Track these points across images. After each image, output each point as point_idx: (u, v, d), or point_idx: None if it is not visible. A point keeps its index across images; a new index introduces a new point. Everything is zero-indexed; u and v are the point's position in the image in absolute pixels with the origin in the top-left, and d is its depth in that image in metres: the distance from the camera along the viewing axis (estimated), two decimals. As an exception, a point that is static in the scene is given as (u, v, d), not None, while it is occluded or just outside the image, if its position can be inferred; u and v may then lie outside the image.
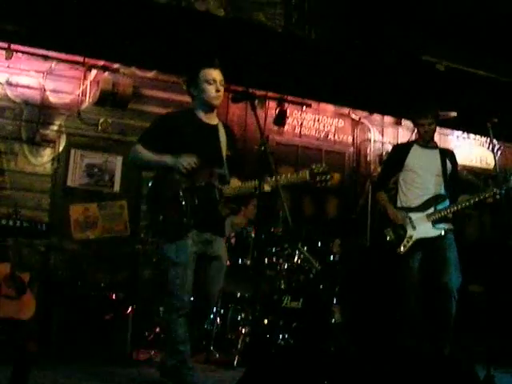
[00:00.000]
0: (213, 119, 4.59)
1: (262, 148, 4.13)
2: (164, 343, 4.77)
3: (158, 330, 5.96)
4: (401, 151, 5.76)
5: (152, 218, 4.55)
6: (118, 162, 7.38)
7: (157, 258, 6.34)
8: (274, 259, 6.18)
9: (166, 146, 4.43)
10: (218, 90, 4.49)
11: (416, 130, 5.84)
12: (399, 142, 7.87)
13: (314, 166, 4.30)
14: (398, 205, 5.66)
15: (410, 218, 5.47)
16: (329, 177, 4.29)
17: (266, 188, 4.31)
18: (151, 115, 7.30)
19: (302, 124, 8.36)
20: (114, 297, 6.08)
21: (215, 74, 4.51)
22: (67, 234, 7.08)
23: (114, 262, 7.01)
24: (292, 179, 4.33)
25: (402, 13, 6.72)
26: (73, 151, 7.25)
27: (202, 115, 4.54)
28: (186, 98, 7.16)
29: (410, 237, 5.45)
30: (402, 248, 5.44)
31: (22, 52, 6.93)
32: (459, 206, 5.43)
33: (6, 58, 6.83)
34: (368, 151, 8.65)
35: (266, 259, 6.15)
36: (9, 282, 5.81)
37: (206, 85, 4.47)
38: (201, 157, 4.39)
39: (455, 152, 6.01)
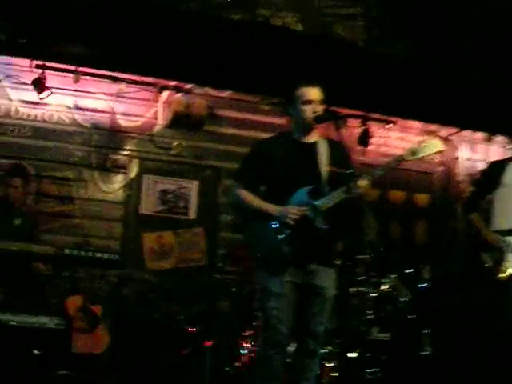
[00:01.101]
0: (311, 138, 4.48)
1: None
2: (252, 379, 4.62)
3: (238, 364, 5.83)
4: (497, 168, 5.50)
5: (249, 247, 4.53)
6: (193, 188, 7.42)
7: (238, 288, 6.31)
8: (361, 288, 6.03)
9: (262, 176, 4.41)
10: (315, 111, 4.37)
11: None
12: (495, 159, 7.69)
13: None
14: (493, 227, 5.40)
15: (509, 242, 5.24)
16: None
17: (361, 183, 4.23)
18: (227, 137, 7.49)
19: (386, 143, 8.16)
20: (190, 330, 6.15)
21: (313, 93, 4.40)
22: (140, 264, 7.13)
23: (191, 293, 7.00)
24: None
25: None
26: (145, 177, 7.32)
27: (297, 136, 4.47)
28: (264, 118, 7.48)
29: (510, 262, 5.20)
30: (502, 274, 5.18)
31: (90, 74, 6.97)
32: None
33: (73, 82, 6.89)
34: (457, 170, 8.43)
35: (352, 288, 6.03)
36: (81, 315, 5.83)
37: (302, 105, 4.38)
38: (294, 179, 4.33)
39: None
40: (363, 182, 4.24)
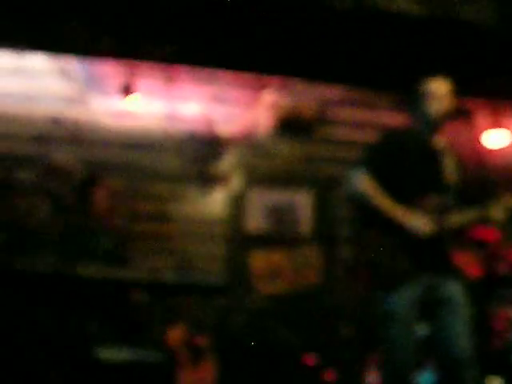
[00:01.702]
0: (439, 141, 4.26)
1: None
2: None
3: None
4: None
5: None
6: (305, 200, 7.17)
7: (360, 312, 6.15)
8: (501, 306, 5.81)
9: (390, 171, 4.10)
10: (443, 107, 4.15)
11: None
12: None
13: None
14: None
15: None
16: None
17: (497, 216, 4.00)
18: (341, 140, 7.23)
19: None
20: (309, 361, 6.04)
21: (440, 87, 4.19)
22: (248, 288, 6.92)
23: (307, 319, 6.75)
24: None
25: None
26: (250, 189, 7.12)
27: (426, 136, 4.22)
28: (383, 117, 7.22)
29: None
30: None
31: (183, 77, 6.88)
32: None
33: (164, 86, 6.81)
34: None
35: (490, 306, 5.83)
36: (184, 347, 5.75)
37: (428, 101, 4.17)
38: (425, 186, 4.08)
39: None
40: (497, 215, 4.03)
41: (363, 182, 4.12)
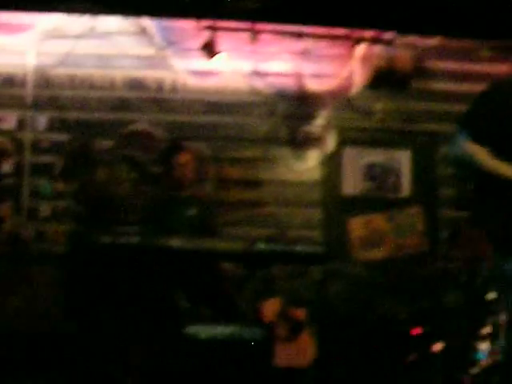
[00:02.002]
0: None
1: None
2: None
3: (476, 371, 5.31)
4: None
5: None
6: (404, 159, 6.97)
7: (468, 278, 5.83)
8: None
9: (500, 128, 3.69)
10: None
11: None
12: None
13: None
14: None
15: None
16: None
17: None
18: (441, 94, 7.11)
19: None
20: (415, 332, 5.84)
21: None
22: (347, 255, 6.79)
23: (411, 287, 6.57)
24: None
25: None
26: (346, 150, 6.95)
27: None
28: (484, 67, 6.86)
29: None
30: None
31: (269, 32, 6.71)
32: None
33: (250, 42, 6.62)
34: None
35: None
36: (281, 321, 5.63)
37: None
38: None
39: None
40: None
41: (470, 145, 3.87)
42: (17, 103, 6.54)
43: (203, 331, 5.16)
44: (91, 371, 5.20)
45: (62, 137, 6.58)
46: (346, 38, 6.93)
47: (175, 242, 5.04)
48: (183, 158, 5.78)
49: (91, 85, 6.60)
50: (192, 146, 6.04)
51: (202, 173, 6.35)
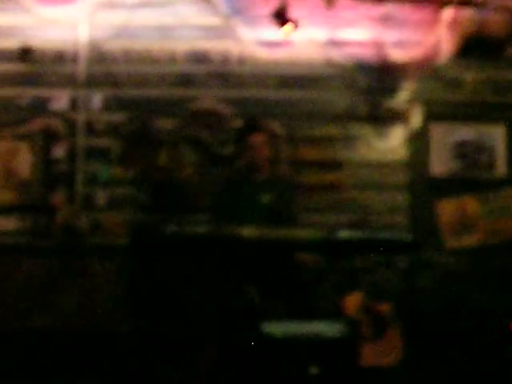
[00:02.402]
0: None
1: None
2: None
3: None
4: None
5: None
6: (498, 135, 6.81)
7: None
8: None
9: None
10: None
11: None
12: None
13: None
14: None
15: None
16: None
17: None
18: None
19: None
20: None
21: None
22: (436, 242, 6.63)
23: (508, 277, 6.40)
24: None
25: None
26: (433, 126, 6.78)
27: None
28: None
29: None
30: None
31: None
32: None
33: (325, 8, 6.49)
34: None
35: None
36: (364, 317, 5.50)
37: None
38: None
39: None
40: None
41: None
42: (68, 81, 6.50)
43: (279, 329, 5.08)
44: (155, 375, 5.20)
45: (119, 117, 6.51)
46: (431, 0, 6.76)
47: (248, 232, 4.95)
48: (258, 138, 5.68)
49: (150, 59, 6.54)
50: (267, 125, 6.00)
51: (276, 154, 6.27)
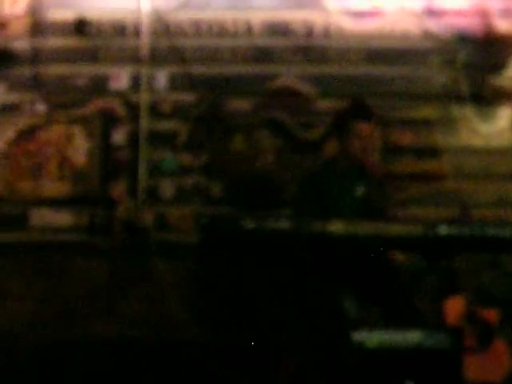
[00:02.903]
0: None
1: None
2: None
3: None
4: None
5: None
6: None
7: None
8: None
9: None
10: None
11: None
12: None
13: None
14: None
15: None
16: None
17: None
18: None
19: None
20: None
21: None
22: None
23: None
24: None
25: None
26: None
27: None
28: None
29: None
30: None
31: None
32: None
33: None
34: None
35: None
36: (468, 325, 5.25)
37: None
38: None
39: None
40: None
41: None
42: (130, 57, 6.38)
43: (373, 338, 4.99)
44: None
45: (187, 97, 6.40)
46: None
47: (337, 227, 4.73)
48: (366, 127, 5.43)
49: (221, 31, 6.42)
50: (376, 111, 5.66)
51: (374, 141, 5.96)
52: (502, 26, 6.51)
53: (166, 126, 6.32)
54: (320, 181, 5.40)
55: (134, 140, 6.32)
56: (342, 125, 5.44)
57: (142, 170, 6.27)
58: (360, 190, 5.40)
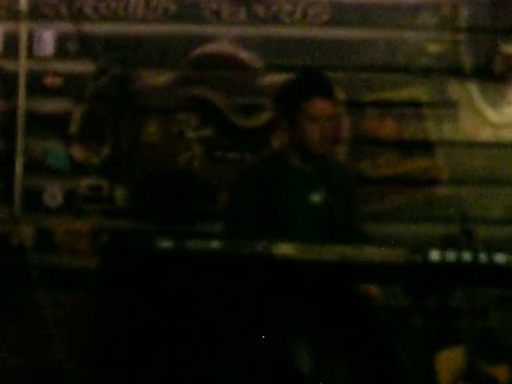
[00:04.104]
0: None
1: None
2: None
3: None
4: None
5: None
6: None
7: None
8: None
9: None
10: None
11: None
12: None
13: None
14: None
15: None
16: None
17: None
18: None
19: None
20: None
21: None
22: None
23: None
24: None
25: None
26: None
27: None
28: None
29: None
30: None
31: None
32: None
33: None
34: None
35: None
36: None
37: None
38: None
39: None
40: None
41: None
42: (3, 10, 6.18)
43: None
44: None
45: (83, 67, 6.09)
46: None
47: (287, 250, 4.36)
48: (323, 106, 4.94)
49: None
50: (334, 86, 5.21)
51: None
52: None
53: (53, 106, 5.98)
54: (262, 183, 4.96)
55: (8, 125, 5.90)
56: (289, 104, 4.95)
57: (19, 166, 5.92)
58: (318, 197, 4.98)
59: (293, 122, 4.87)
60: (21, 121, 5.96)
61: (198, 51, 6.05)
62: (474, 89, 6.35)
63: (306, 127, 4.80)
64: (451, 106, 6.34)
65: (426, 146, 6.30)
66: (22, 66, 5.99)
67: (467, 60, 6.39)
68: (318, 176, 5.01)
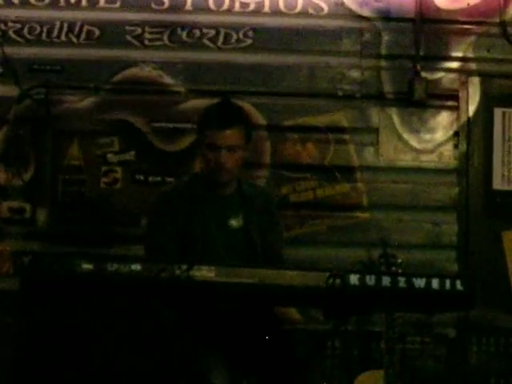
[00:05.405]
0: None
1: None
2: None
3: None
4: None
5: None
6: None
7: None
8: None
9: None
10: None
11: None
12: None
13: None
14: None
15: None
16: None
17: None
18: None
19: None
20: None
21: None
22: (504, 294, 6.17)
23: None
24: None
25: None
26: (498, 112, 6.23)
27: None
28: None
29: None
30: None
31: None
32: None
33: None
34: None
35: None
36: None
37: None
38: None
39: None
40: None
41: None
42: None
43: None
44: None
45: (4, 89, 6.02)
46: None
47: (204, 273, 4.31)
48: (232, 136, 4.92)
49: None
50: (247, 112, 5.34)
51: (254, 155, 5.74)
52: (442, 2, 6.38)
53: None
54: (181, 206, 4.96)
55: None
56: (198, 131, 5.04)
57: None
58: (236, 221, 4.97)
59: (200, 148, 5.02)
60: None
61: (121, 75, 6.01)
62: (394, 115, 6.39)
63: (207, 155, 4.83)
64: (372, 131, 6.40)
65: (346, 171, 6.33)
66: None
67: (388, 86, 6.44)
68: (235, 200, 4.99)
